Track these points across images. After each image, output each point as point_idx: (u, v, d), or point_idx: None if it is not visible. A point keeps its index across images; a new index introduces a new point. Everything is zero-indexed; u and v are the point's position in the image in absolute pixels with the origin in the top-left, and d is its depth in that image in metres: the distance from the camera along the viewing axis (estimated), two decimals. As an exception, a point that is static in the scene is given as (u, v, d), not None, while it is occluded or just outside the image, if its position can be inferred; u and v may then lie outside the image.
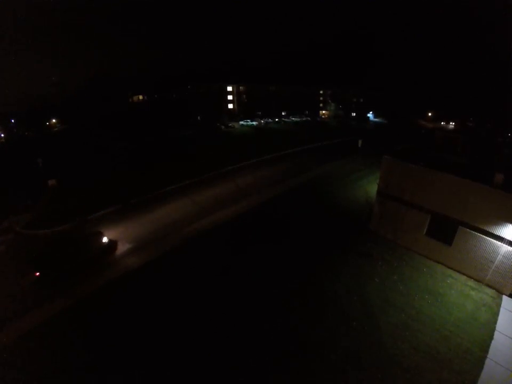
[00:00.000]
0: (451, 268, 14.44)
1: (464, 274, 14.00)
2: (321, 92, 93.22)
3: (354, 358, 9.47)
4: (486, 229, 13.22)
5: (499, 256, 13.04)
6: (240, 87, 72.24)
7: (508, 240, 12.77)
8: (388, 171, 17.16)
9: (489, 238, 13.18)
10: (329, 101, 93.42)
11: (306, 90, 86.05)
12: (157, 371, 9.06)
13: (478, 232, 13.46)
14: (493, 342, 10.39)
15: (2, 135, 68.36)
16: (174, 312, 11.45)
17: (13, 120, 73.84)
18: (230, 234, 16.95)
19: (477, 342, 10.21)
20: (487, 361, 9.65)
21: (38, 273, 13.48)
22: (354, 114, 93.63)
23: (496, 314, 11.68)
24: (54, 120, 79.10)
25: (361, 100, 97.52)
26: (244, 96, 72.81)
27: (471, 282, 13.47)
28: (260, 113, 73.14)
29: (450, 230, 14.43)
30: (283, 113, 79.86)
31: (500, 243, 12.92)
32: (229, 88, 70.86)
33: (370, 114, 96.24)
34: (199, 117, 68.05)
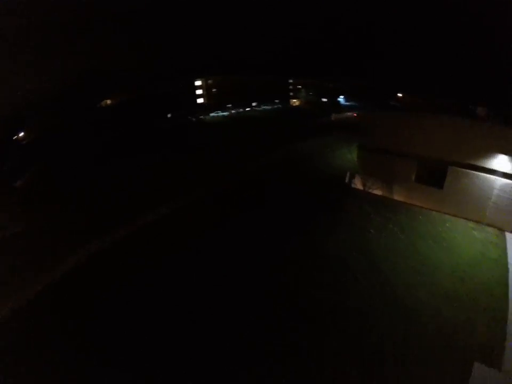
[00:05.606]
0: (447, 214, 13.28)
1: (461, 217, 12.86)
2: (296, 81, 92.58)
3: (367, 315, 7.78)
4: (476, 164, 12.22)
5: (495, 190, 12.05)
6: (209, 81, 69.98)
7: (501, 172, 11.83)
8: (367, 124, 16.09)
9: (481, 173, 12.18)
10: (304, 89, 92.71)
11: (280, 81, 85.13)
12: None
13: (468, 169, 12.44)
14: (510, 276, 9.19)
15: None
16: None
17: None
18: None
19: (494, 278, 9.01)
20: None
21: None
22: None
23: (505, 250, 10.61)
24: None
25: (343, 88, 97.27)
26: (215, 89, 70.57)
27: (471, 224, 12.39)
28: (231, 105, 71.27)
29: (440, 172, 13.36)
30: (253, 104, 78.51)
31: (493, 176, 11.94)
32: (198, 83, 68.42)
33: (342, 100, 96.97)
34: (168, 115, 64.58)
